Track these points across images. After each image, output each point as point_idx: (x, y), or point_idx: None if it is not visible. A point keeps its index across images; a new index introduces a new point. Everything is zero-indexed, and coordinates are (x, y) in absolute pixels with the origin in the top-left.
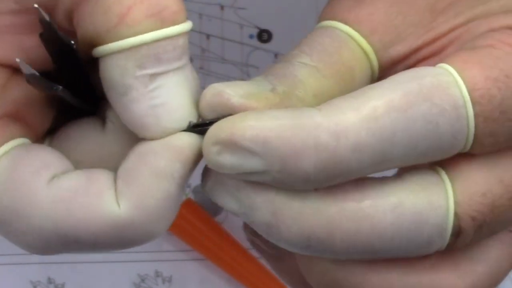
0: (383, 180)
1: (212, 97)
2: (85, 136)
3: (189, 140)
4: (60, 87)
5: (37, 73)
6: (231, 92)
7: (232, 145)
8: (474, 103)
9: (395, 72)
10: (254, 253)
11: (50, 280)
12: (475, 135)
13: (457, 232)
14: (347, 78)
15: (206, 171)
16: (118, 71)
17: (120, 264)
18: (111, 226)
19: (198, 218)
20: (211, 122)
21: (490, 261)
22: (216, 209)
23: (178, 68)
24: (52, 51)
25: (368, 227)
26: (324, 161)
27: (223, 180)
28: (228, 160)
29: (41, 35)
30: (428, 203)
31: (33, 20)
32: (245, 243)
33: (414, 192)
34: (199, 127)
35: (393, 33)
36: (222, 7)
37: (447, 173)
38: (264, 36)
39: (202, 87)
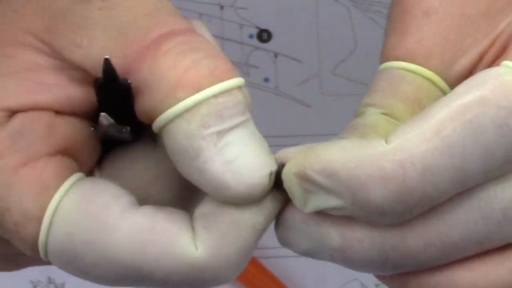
0: None
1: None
2: (136, 158)
3: (272, 194)
4: (128, 128)
5: (113, 121)
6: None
7: (305, 179)
8: None
9: None
10: (254, 253)
11: (50, 280)
12: None
13: None
14: (418, 111)
15: (276, 223)
16: (184, 135)
17: None
18: (186, 268)
19: None
20: None
21: None
22: None
23: (242, 123)
24: (101, 94)
25: (436, 217)
26: (394, 191)
27: (292, 221)
28: (306, 195)
29: (96, 81)
30: None
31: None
32: None
33: None
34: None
35: (452, 49)
36: (222, 7)
37: None
38: (264, 36)
39: None
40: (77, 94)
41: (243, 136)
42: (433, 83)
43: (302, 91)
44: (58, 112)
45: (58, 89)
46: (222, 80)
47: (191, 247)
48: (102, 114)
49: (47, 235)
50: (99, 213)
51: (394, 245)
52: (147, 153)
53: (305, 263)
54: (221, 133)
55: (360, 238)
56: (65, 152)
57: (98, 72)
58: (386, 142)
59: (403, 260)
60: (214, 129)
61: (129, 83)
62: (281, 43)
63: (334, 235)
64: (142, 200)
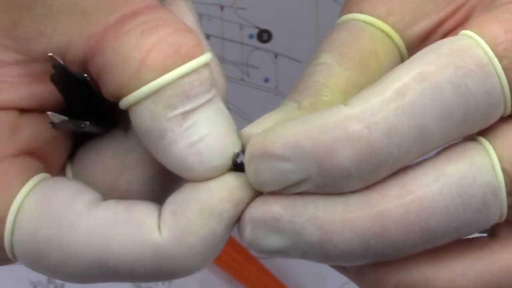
0: (421, 160)
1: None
2: (103, 149)
3: (244, 181)
4: (87, 122)
5: (66, 118)
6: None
7: (266, 157)
8: (500, 58)
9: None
10: (254, 253)
11: (50, 280)
12: None
13: None
14: (372, 64)
15: (242, 220)
16: (149, 116)
17: None
18: (149, 255)
19: None
20: None
21: None
22: None
23: (208, 101)
24: (64, 89)
25: (416, 205)
26: (361, 152)
27: (261, 219)
28: (267, 174)
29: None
30: (470, 164)
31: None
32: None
33: (453, 159)
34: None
35: (413, 10)
36: (222, 7)
37: (483, 136)
38: (264, 36)
39: None
40: (43, 89)
41: (208, 116)
42: (391, 39)
43: None
44: (24, 110)
45: (23, 86)
46: (189, 58)
47: (154, 233)
48: (49, 113)
49: (12, 235)
50: (61, 210)
51: (375, 232)
52: (115, 143)
53: (305, 263)
54: (186, 114)
55: (340, 230)
56: (30, 152)
57: (63, 59)
58: (347, 105)
59: (383, 248)
60: (180, 110)
61: (84, 76)
62: (281, 43)
63: (312, 229)
64: (112, 191)
